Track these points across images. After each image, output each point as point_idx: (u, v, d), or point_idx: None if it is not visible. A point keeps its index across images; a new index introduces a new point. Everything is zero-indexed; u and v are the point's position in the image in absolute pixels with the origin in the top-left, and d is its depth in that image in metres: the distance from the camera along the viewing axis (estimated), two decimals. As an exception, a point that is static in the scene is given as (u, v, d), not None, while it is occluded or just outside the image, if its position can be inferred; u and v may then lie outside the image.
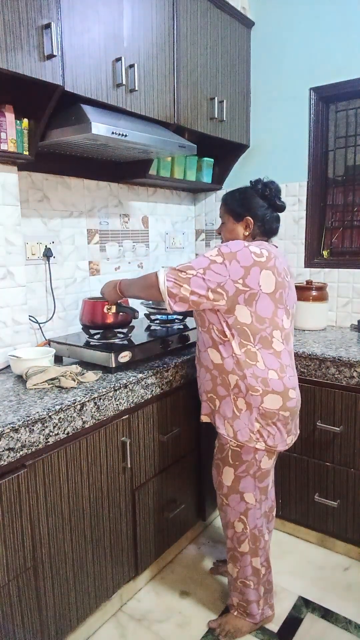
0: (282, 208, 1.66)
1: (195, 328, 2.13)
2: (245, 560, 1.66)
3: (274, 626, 1.74)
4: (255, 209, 1.62)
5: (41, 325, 2.07)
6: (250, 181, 1.67)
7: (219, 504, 1.70)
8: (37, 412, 1.35)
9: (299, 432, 1.68)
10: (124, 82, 1.81)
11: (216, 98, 2.35)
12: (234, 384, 1.55)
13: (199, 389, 1.71)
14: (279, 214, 1.67)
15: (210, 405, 1.65)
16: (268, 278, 1.49)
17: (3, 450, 1.27)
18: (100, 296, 1.88)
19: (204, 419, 1.69)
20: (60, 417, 1.42)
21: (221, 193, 2.84)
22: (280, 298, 1.53)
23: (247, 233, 1.63)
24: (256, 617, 1.70)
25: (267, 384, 1.52)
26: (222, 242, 1.67)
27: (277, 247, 1.65)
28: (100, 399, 1.55)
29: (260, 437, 1.55)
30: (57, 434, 1.42)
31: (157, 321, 2.22)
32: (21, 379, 1.67)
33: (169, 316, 2.20)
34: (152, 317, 2.24)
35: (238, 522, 1.64)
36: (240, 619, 1.71)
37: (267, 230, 1.64)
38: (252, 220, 1.62)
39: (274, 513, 1.86)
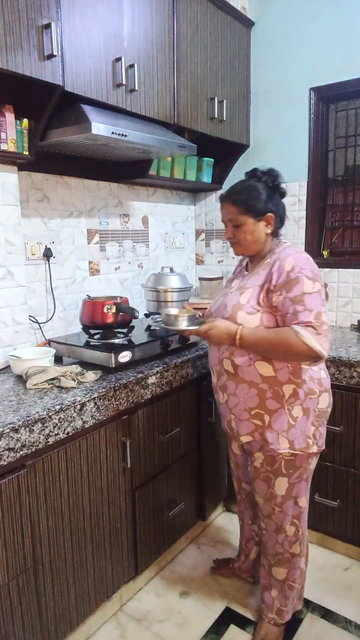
0: (285, 193, 1.58)
1: None
2: (296, 562, 1.64)
3: (274, 626, 1.74)
4: (271, 202, 1.51)
5: (41, 325, 2.07)
6: (247, 173, 1.57)
7: (267, 512, 1.61)
8: (37, 412, 1.36)
9: None
10: (124, 82, 1.81)
11: (216, 98, 2.35)
12: (289, 394, 1.47)
13: (230, 410, 1.57)
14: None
15: (257, 422, 1.51)
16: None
17: (3, 450, 1.27)
18: (102, 295, 1.87)
19: (246, 439, 1.56)
20: (60, 417, 1.42)
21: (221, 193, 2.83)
22: None
23: (270, 231, 1.52)
24: (288, 615, 1.70)
25: (322, 383, 1.52)
26: (241, 247, 1.54)
27: None
28: (100, 399, 1.55)
29: (315, 440, 1.52)
30: (57, 434, 1.42)
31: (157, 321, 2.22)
32: (21, 379, 1.67)
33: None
34: (152, 317, 2.24)
35: (290, 525, 1.60)
36: (277, 626, 1.69)
37: (282, 222, 1.56)
38: (273, 216, 1.50)
39: None
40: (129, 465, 1.69)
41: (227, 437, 1.75)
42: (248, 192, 1.51)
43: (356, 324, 2.43)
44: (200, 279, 2.76)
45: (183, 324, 1.59)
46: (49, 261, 2.07)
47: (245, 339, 1.41)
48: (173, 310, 1.68)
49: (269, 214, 1.50)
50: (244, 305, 1.46)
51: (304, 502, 1.61)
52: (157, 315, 1.71)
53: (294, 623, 1.74)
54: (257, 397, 1.49)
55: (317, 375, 1.51)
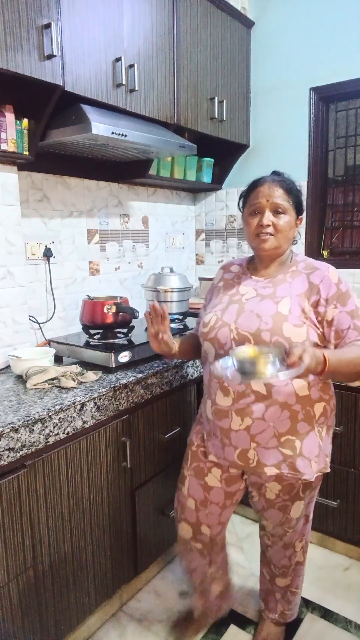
0: None
1: None
2: (300, 570, 1.62)
3: (274, 626, 1.74)
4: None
5: (41, 325, 2.07)
6: (275, 172, 1.46)
7: (278, 534, 1.52)
8: (37, 412, 1.36)
9: None
10: (123, 82, 1.81)
11: (216, 98, 2.35)
12: (319, 413, 1.36)
13: (251, 438, 1.34)
14: None
15: (286, 450, 1.33)
16: None
17: (3, 450, 1.27)
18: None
19: (272, 471, 1.34)
20: (60, 417, 1.42)
21: (221, 193, 2.84)
22: None
23: (295, 234, 1.43)
24: (291, 618, 1.69)
25: (335, 398, 1.45)
26: (276, 240, 1.36)
27: None
28: (100, 399, 1.55)
29: (329, 458, 1.44)
30: (57, 434, 1.42)
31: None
32: (21, 379, 1.67)
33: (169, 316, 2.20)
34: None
35: (299, 542, 1.56)
36: (279, 626, 1.69)
37: None
38: (302, 219, 1.44)
39: None
40: (129, 465, 1.69)
41: (201, 470, 1.51)
42: (296, 185, 1.42)
43: (356, 324, 2.43)
44: (201, 279, 2.76)
45: (271, 370, 1.14)
46: (49, 261, 2.07)
47: (332, 365, 1.21)
48: (245, 350, 1.21)
49: (302, 218, 1.43)
50: (287, 316, 1.29)
51: (311, 515, 1.56)
52: (224, 363, 1.25)
53: (294, 623, 1.74)
54: (289, 420, 1.32)
55: (332, 388, 1.44)
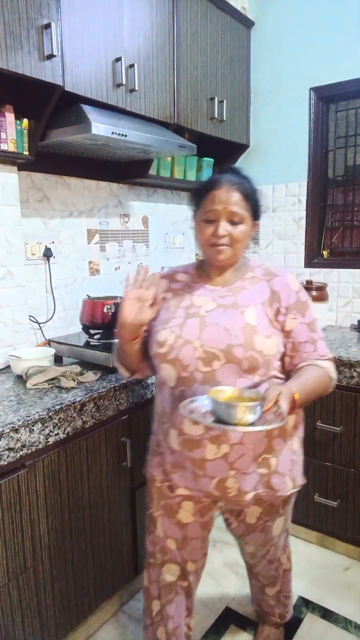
0: None
1: None
2: (287, 576, 1.61)
3: (274, 626, 1.75)
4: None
5: (41, 325, 2.07)
6: (233, 168, 1.32)
7: (261, 554, 1.50)
8: (37, 412, 1.36)
9: None
10: (123, 82, 1.81)
11: (216, 98, 2.35)
12: (292, 426, 1.29)
13: (230, 465, 1.21)
14: None
15: (263, 470, 1.25)
16: None
17: (3, 450, 1.27)
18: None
19: (249, 496, 1.25)
20: (60, 417, 1.42)
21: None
22: None
23: (250, 240, 1.31)
24: (288, 616, 1.70)
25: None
26: (231, 250, 1.25)
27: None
28: (100, 399, 1.55)
29: (301, 469, 1.38)
30: (57, 434, 1.42)
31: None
32: (21, 379, 1.67)
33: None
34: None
35: (283, 554, 1.54)
36: (279, 627, 1.70)
37: None
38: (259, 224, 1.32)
39: None
40: (129, 465, 1.69)
41: (171, 507, 1.35)
42: (254, 187, 1.27)
43: (356, 324, 2.43)
44: (200, 279, 2.75)
45: (250, 416, 1.04)
46: (49, 261, 2.07)
47: (300, 401, 1.12)
48: (223, 392, 1.12)
49: (258, 222, 1.30)
50: (257, 327, 1.19)
51: (290, 526, 1.52)
52: (195, 405, 1.15)
53: (294, 623, 1.75)
54: (266, 438, 1.23)
55: None
